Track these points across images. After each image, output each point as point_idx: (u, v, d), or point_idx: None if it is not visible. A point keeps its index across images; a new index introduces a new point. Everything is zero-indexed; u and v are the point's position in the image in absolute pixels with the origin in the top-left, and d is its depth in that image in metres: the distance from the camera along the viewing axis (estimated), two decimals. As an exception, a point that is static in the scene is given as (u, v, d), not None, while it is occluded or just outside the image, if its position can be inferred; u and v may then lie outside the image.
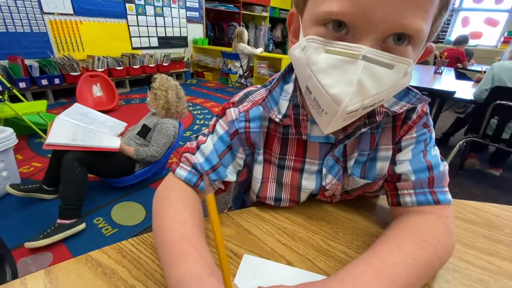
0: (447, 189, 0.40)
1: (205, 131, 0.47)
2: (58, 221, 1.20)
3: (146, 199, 1.52)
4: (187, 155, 0.44)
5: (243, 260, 0.37)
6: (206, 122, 2.74)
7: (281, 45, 6.82)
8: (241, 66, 3.81)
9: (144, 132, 1.55)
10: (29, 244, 1.11)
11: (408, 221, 0.39)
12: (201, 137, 0.45)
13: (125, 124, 1.73)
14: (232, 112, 0.44)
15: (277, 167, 0.46)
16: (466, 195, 1.74)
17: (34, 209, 1.38)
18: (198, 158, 0.43)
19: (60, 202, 1.24)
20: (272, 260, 0.37)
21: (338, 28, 0.29)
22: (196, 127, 2.61)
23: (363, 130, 0.39)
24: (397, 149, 0.42)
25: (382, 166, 0.43)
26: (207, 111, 3.11)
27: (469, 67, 3.60)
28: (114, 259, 0.36)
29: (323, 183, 0.44)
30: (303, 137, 0.41)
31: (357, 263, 0.32)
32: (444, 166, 0.41)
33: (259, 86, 0.48)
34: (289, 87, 0.42)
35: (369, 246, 0.38)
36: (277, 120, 0.41)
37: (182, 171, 0.43)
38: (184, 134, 2.38)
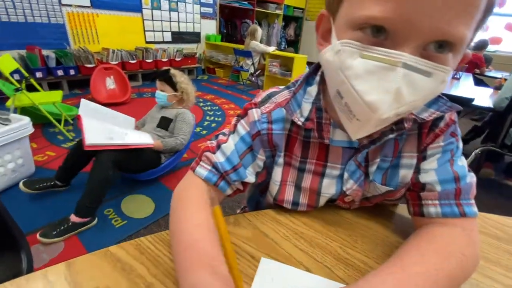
0: (473, 201, 0.39)
1: (225, 130, 0.46)
2: (72, 219, 1.19)
3: (156, 193, 1.53)
4: (208, 154, 0.43)
5: (261, 263, 0.36)
6: (216, 119, 2.74)
7: (294, 44, 6.77)
8: (252, 63, 3.81)
9: (165, 124, 1.59)
10: (42, 240, 1.13)
11: (432, 232, 0.37)
12: (221, 137, 0.45)
13: (133, 119, 1.75)
14: (255, 113, 0.43)
15: (297, 170, 0.45)
16: (479, 205, 1.65)
17: (48, 196, 1.41)
18: (218, 158, 0.43)
19: (79, 196, 1.22)
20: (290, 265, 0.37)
21: (377, 33, 0.28)
22: (206, 123, 2.62)
23: (390, 136, 0.38)
24: (422, 157, 0.41)
25: (405, 174, 0.42)
26: (217, 107, 3.12)
27: (487, 73, 3.49)
28: (133, 255, 0.36)
29: (344, 188, 0.43)
30: (325, 141, 0.40)
31: (378, 273, 0.32)
32: (471, 178, 0.40)
33: (281, 87, 0.47)
34: (313, 90, 0.42)
35: (389, 257, 0.37)
36: (299, 123, 0.40)
37: (202, 170, 0.43)
38: (194, 130, 2.39)
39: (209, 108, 3.07)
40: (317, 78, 0.42)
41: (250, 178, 0.44)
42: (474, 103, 1.58)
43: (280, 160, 0.45)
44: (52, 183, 1.42)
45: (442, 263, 0.32)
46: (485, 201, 1.74)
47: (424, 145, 0.40)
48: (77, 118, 1.27)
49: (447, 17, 0.25)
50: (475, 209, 0.38)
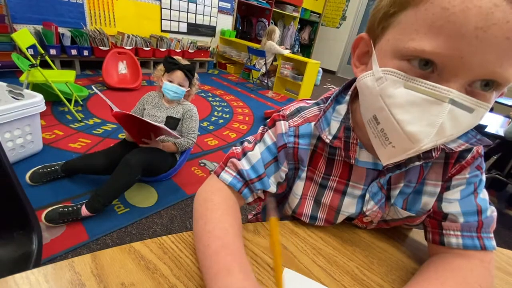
0: (492, 235, 0.40)
1: (250, 138, 0.47)
2: (83, 213, 1.17)
3: (159, 184, 1.54)
4: (234, 160, 0.44)
5: (284, 273, 0.37)
6: (224, 115, 2.74)
7: (307, 48, 6.76)
8: (265, 63, 3.80)
9: (174, 124, 1.52)
10: (47, 224, 1.12)
11: (450, 261, 0.38)
12: (246, 144, 0.46)
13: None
14: (283, 125, 0.44)
15: (318, 186, 0.46)
16: None
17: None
18: (244, 165, 0.43)
19: (86, 180, 1.25)
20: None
21: (425, 66, 0.28)
22: (213, 118, 2.62)
23: (416, 163, 0.38)
24: (446, 187, 0.41)
25: (427, 201, 0.42)
26: (225, 103, 3.12)
27: (497, 99, 3.48)
28: (156, 254, 0.36)
29: (364, 209, 0.44)
30: (351, 161, 0.41)
31: None
32: (492, 212, 0.40)
33: (311, 101, 0.47)
34: (342, 108, 0.42)
35: (404, 282, 0.38)
36: (327, 141, 0.41)
37: (227, 175, 0.43)
38: (202, 124, 2.40)
39: (217, 103, 3.07)
40: (347, 97, 0.42)
41: (273, 188, 0.45)
42: (486, 130, 1.58)
43: (303, 174, 0.45)
44: (56, 170, 1.38)
45: None
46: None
47: (449, 175, 0.41)
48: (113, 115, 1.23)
49: (499, 58, 0.25)
50: (494, 243, 0.39)
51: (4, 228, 0.60)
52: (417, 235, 0.51)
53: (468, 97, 0.27)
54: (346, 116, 0.41)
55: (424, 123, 0.28)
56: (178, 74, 1.46)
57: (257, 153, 0.44)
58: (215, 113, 2.77)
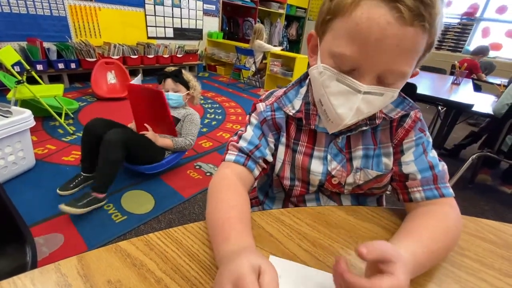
0: (448, 184, 0.48)
1: (242, 128, 0.56)
2: (93, 194, 1.29)
3: (156, 189, 1.54)
4: (233, 143, 0.53)
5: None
6: (217, 117, 2.75)
7: (295, 44, 6.77)
8: (254, 62, 3.81)
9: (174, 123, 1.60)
10: (66, 209, 1.20)
11: (427, 211, 0.45)
12: (240, 131, 0.55)
13: None
14: (261, 106, 0.54)
15: (291, 150, 0.54)
16: (475, 209, 1.72)
17: (42, 189, 1.42)
18: (242, 143, 0.52)
19: (95, 177, 1.33)
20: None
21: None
22: (206, 120, 2.63)
23: (364, 128, 0.49)
24: (400, 151, 0.50)
25: (386, 161, 0.51)
26: (217, 105, 3.12)
27: (485, 79, 3.52)
28: (142, 251, 0.37)
29: (329, 168, 0.52)
30: (312, 127, 0.51)
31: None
32: (443, 166, 0.49)
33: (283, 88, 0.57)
34: (303, 90, 0.53)
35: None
36: (291, 114, 0.51)
37: (231, 155, 0.51)
38: (195, 127, 2.40)
39: (209, 105, 3.07)
40: (307, 81, 0.53)
41: (269, 157, 0.53)
42: (474, 109, 1.60)
43: (283, 139, 0.54)
44: (83, 177, 1.45)
45: (442, 236, 0.40)
46: (481, 206, 1.77)
47: (398, 139, 0.50)
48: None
49: (392, 58, 0.36)
50: (451, 190, 0.47)
51: (-3, 243, 0.60)
52: (400, 214, 0.52)
53: (375, 87, 0.39)
54: (306, 95, 0.52)
55: (347, 107, 0.40)
56: (168, 82, 1.59)
57: (250, 132, 0.53)
58: (208, 115, 2.77)
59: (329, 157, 0.52)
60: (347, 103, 0.40)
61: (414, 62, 0.38)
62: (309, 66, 0.48)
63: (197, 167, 1.81)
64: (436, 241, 0.39)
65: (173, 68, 1.64)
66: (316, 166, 0.53)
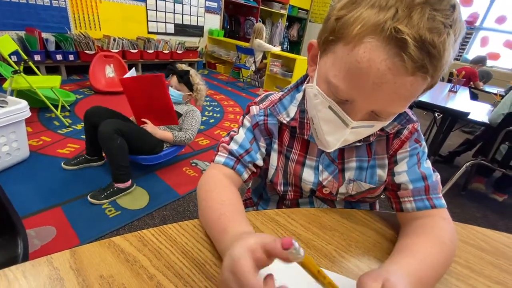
0: (441, 195, 0.47)
1: (235, 128, 0.55)
2: (116, 185, 1.37)
3: (151, 185, 1.53)
4: (224, 145, 0.52)
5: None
6: (215, 115, 2.74)
7: (296, 45, 6.78)
8: (254, 62, 3.80)
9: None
10: (91, 200, 1.30)
11: (420, 224, 0.44)
12: (232, 132, 0.54)
13: None
14: (254, 109, 0.53)
15: (285, 157, 0.54)
16: (466, 216, 1.74)
17: (35, 181, 1.41)
18: (233, 146, 0.51)
19: (108, 168, 1.39)
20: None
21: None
22: (204, 118, 2.62)
23: (358, 144, 0.48)
24: (394, 161, 0.49)
25: (380, 173, 0.51)
26: (216, 103, 3.12)
27: (482, 88, 3.56)
28: (136, 247, 0.37)
29: (320, 179, 0.52)
30: (305, 136, 0.50)
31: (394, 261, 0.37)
32: (436, 176, 0.48)
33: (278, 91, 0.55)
34: (299, 96, 0.51)
35: (381, 262, 0.40)
36: (285, 122, 0.50)
37: (221, 158, 0.50)
38: (192, 124, 2.39)
39: (208, 103, 3.06)
40: (304, 86, 0.50)
41: (260, 162, 0.53)
42: (470, 117, 1.62)
43: (275, 146, 0.54)
44: (84, 157, 1.56)
45: (439, 253, 0.39)
46: (473, 213, 1.79)
47: (393, 150, 0.49)
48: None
49: (386, 102, 0.35)
50: (443, 201, 0.46)
51: (-11, 234, 0.60)
52: (393, 218, 0.53)
53: (365, 122, 0.39)
54: (302, 101, 0.50)
55: (335, 137, 0.41)
56: (174, 79, 1.62)
57: (241, 134, 0.52)
58: (206, 113, 2.76)
59: (320, 167, 0.51)
60: (336, 133, 0.40)
61: (409, 103, 0.37)
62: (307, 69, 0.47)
63: (193, 164, 1.81)
64: (433, 258, 0.38)
65: (183, 66, 1.67)
66: (308, 175, 0.53)
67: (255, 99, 0.56)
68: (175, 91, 1.62)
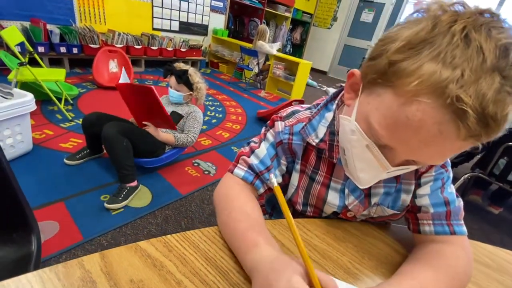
0: (462, 222, 0.47)
1: (255, 139, 0.54)
2: (127, 186, 1.37)
3: (154, 184, 1.54)
4: (244, 157, 0.51)
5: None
6: (217, 115, 2.75)
7: (299, 48, 6.81)
8: (257, 63, 3.82)
9: (176, 119, 1.61)
10: (111, 207, 1.29)
11: (437, 249, 0.44)
12: (253, 144, 0.53)
13: None
14: (280, 125, 0.51)
15: (309, 178, 0.53)
16: None
17: (38, 174, 1.41)
18: (253, 160, 0.50)
19: (109, 164, 1.42)
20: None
21: None
22: (206, 118, 2.63)
23: None
24: (418, 184, 0.48)
25: (405, 198, 0.49)
26: (218, 103, 3.12)
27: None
28: (161, 252, 0.38)
29: (346, 202, 0.51)
30: (334, 160, 0.48)
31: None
32: (459, 202, 0.48)
33: (304, 106, 0.53)
34: (329, 116, 0.49)
35: (392, 275, 0.41)
36: (313, 144, 0.48)
37: (240, 171, 0.50)
38: (195, 124, 2.40)
39: (210, 103, 3.07)
40: (334, 106, 0.49)
41: (279, 178, 0.53)
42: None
43: (298, 166, 0.53)
44: (87, 151, 1.59)
45: (450, 281, 0.38)
46: (469, 225, 1.82)
47: (420, 173, 0.48)
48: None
49: (428, 158, 0.35)
50: (464, 228, 0.46)
51: (3, 229, 0.60)
52: (404, 232, 0.55)
53: (402, 167, 0.38)
54: (332, 122, 0.48)
55: (369, 175, 0.40)
56: (172, 79, 1.59)
57: (263, 149, 0.51)
58: (208, 113, 2.77)
59: (346, 191, 0.50)
60: (371, 172, 0.39)
61: (453, 155, 0.36)
62: (340, 93, 0.48)
63: (196, 164, 1.82)
64: (441, 284, 0.37)
65: (182, 65, 1.64)
66: (333, 198, 0.51)
67: (280, 113, 0.53)
68: (174, 92, 1.59)
